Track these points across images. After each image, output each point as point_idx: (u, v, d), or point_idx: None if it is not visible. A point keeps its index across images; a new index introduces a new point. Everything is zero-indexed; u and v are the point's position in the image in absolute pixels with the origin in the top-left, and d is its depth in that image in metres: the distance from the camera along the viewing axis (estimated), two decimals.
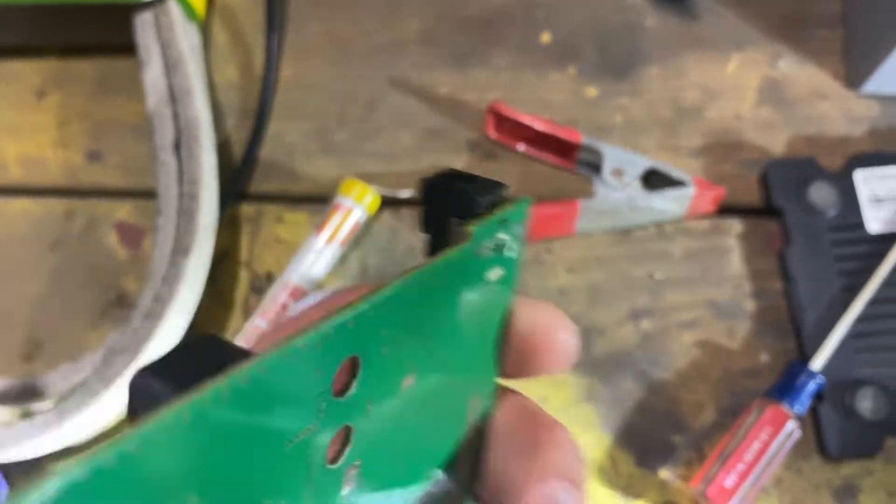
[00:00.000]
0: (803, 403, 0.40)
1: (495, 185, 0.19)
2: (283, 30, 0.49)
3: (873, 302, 0.41)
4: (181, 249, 0.40)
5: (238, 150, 0.48)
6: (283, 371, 0.12)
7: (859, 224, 0.43)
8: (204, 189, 0.41)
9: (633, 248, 0.44)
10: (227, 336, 0.44)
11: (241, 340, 0.42)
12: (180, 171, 0.42)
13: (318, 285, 0.44)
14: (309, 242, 0.44)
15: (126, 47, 0.47)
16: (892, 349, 0.41)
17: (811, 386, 0.40)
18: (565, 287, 0.44)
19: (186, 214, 0.41)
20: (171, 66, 0.44)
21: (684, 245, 0.44)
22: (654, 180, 0.44)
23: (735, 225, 0.44)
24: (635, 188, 0.43)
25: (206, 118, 0.44)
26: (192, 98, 0.43)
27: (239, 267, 0.46)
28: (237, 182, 0.46)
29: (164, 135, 0.43)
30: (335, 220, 0.44)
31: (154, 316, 0.39)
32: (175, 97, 0.43)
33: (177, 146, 0.43)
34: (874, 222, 0.43)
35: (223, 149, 0.48)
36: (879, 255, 0.42)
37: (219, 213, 0.44)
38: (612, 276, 0.44)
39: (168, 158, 0.43)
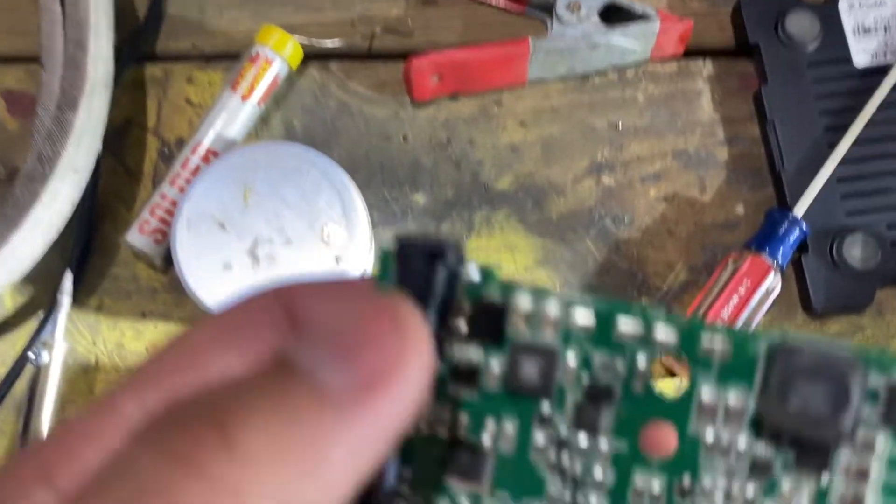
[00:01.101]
0: (786, 254, 0.35)
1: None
2: None
3: (860, 142, 0.37)
4: (67, 103, 0.35)
5: (142, 4, 0.42)
6: None
7: (844, 57, 0.38)
8: (92, 33, 0.36)
9: (592, 95, 0.39)
10: (136, 207, 0.39)
11: (148, 210, 0.37)
12: (65, 17, 0.36)
13: (233, 147, 0.38)
14: (222, 99, 0.38)
15: None
16: (881, 192, 0.37)
17: (794, 234, 0.35)
18: (517, 143, 0.39)
19: (72, 64, 0.35)
20: None
21: (649, 90, 0.39)
22: (615, 14, 0.38)
23: (705, 66, 0.40)
24: (594, 23, 0.38)
25: None
26: None
27: (146, 134, 0.40)
28: (141, 40, 0.40)
29: None
30: (251, 73, 0.38)
31: (37, 178, 0.34)
32: None
33: None
34: (861, 55, 0.38)
35: (125, 5, 0.42)
36: (866, 91, 0.37)
37: (120, 73, 0.38)
38: (569, 128, 0.39)
39: (52, 5, 0.37)
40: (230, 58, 0.40)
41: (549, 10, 0.39)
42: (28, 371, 0.36)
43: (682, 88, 0.39)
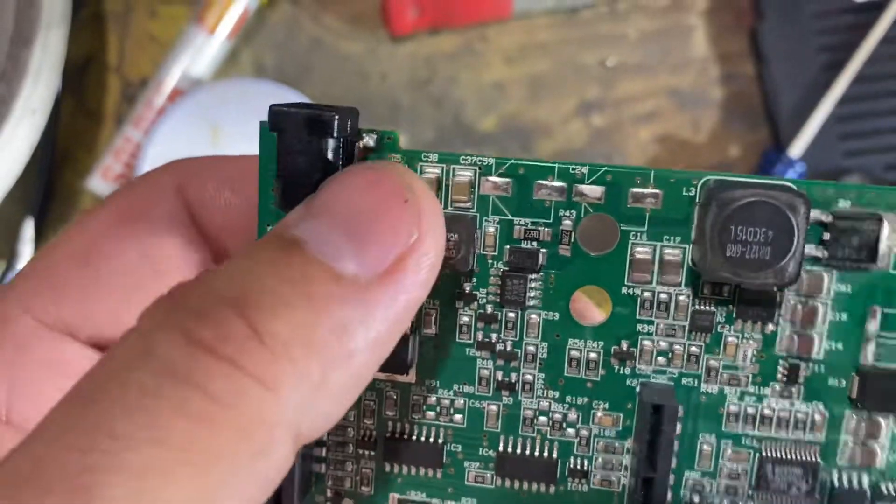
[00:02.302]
0: None
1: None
2: None
3: (859, 80, 0.35)
4: (21, 40, 0.32)
5: None
6: None
7: None
8: None
9: (581, 30, 0.37)
10: (98, 151, 0.37)
11: (111, 155, 0.35)
12: None
13: (200, 85, 0.36)
14: (188, 35, 0.36)
15: None
16: (879, 133, 0.36)
17: (790, 175, 0.34)
18: (503, 81, 0.37)
19: None
20: None
21: (640, 25, 0.37)
22: None
23: (698, 0, 0.38)
24: None
25: None
26: None
27: (107, 73, 0.38)
28: None
29: None
30: (218, 5, 0.36)
31: None
32: None
33: None
34: None
35: None
36: (866, 27, 0.36)
37: (78, 7, 0.36)
38: (557, 65, 0.37)
39: None
40: None
41: None
42: None
43: (675, 23, 0.37)
